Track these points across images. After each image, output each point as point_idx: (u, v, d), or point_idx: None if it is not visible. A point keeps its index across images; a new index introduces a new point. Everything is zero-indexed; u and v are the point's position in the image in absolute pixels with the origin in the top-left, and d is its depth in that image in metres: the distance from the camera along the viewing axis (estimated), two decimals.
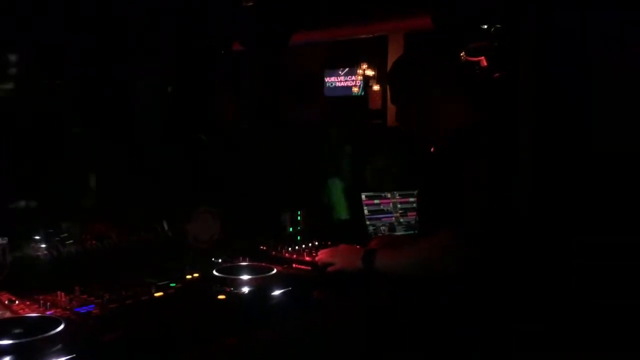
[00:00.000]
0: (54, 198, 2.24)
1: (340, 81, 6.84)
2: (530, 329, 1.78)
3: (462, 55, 4.77)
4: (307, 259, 2.07)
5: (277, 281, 1.78)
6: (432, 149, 2.04)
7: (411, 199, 2.73)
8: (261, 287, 1.73)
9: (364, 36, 6.24)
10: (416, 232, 2.51)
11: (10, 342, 1.23)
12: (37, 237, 1.90)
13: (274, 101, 4.12)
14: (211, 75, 3.52)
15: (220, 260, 2.05)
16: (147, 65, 2.94)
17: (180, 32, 3.10)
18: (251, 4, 4.06)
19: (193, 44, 3.23)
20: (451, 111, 1.90)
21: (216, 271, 1.81)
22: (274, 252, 2.18)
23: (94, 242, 1.98)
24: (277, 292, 1.72)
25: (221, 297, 1.65)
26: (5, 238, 1.73)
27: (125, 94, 2.88)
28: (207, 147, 3.00)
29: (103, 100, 2.69)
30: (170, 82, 3.10)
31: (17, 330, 1.29)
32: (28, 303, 1.53)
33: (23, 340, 1.25)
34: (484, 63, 4.93)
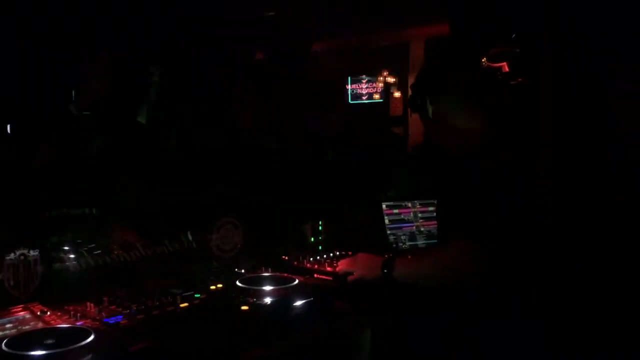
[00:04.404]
0: (80, 209, 2.30)
1: (362, 88, 6.88)
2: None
3: (484, 62, 4.74)
4: (328, 269, 2.09)
5: (299, 292, 1.81)
6: (451, 159, 2.06)
7: (431, 208, 2.74)
8: (283, 298, 1.76)
9: (385, 43, 6.27)
10: (437, 241, 2.52)
11: (43, 352, 1.29)
12: (66, 248, 1.95)
13: (296, 109, 4.15)
14: (233, 84, 3.56)
15: (243, 271, 2.09)
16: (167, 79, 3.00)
17: (200, 42, 3.15)
18: (272, 13, 4.11)
19: (213, 53, 3.27)
20: (469, 125, 1.92)
21: (239, 282, 1.85)
22: (295, 263, 2.21)
23: (120, 252, 2.03)
24: (299, 303, 1.75)
25: (244, 308, 1.68)
26: (37, 250, 1.79)
27: (145, 106, 2.95)
28: (230, 157, 3.04)
29: (121, 114, 2.75)
30: (191, 92, 3.15)
31: (49, 341, 1.34)
32: (59, 314, 1.59)
33: (55, 350, 1.30)
34: (506, 69, 4.90)
